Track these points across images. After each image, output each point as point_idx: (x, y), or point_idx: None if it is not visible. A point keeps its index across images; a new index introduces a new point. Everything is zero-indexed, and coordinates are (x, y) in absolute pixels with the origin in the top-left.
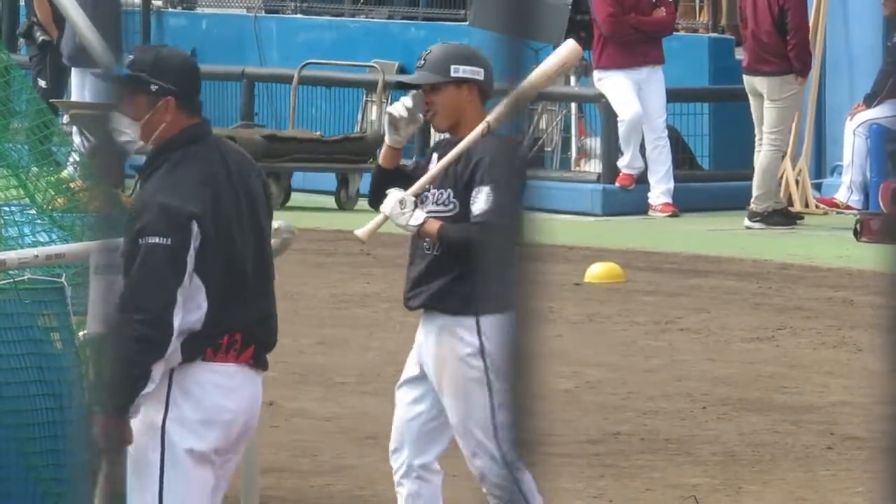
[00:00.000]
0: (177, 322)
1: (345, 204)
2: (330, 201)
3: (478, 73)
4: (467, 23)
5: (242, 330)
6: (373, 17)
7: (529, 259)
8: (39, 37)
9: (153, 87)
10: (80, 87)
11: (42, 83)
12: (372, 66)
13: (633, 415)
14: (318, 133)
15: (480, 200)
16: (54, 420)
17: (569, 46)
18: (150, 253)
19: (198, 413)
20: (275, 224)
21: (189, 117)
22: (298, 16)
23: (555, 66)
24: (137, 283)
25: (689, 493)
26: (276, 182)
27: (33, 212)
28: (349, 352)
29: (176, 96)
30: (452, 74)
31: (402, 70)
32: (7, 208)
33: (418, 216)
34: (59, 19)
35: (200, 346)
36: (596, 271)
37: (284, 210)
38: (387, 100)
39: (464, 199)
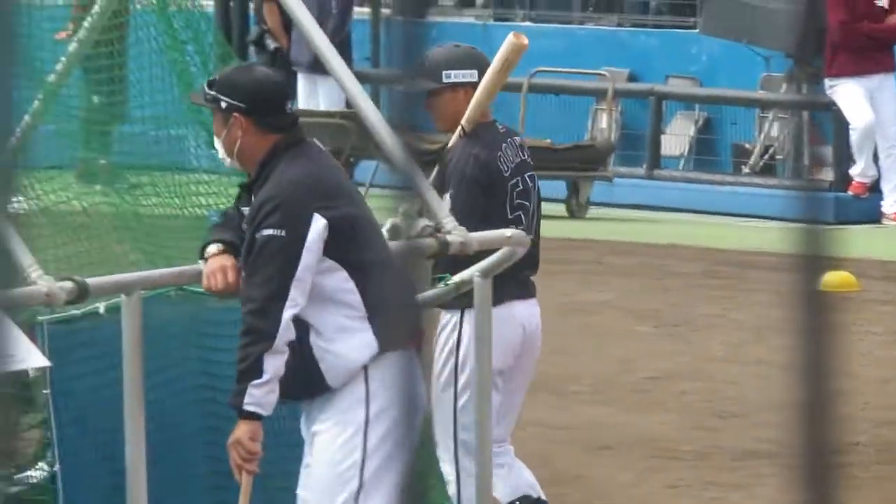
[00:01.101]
0: (319, 317)
1: (576, 212)
2: (560, 209)
3: (471, 76)
4: (697, 30)
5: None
6: (602, 25)
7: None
8: (270, 45)
9: (223, 105)
10: (307, 94)
11: None
12: (602, 74)
13: (870, 425)
14: (548, 141)
15: None
16: (274, 430)
17: (509, 42)
18: (265, 245)
19: (402, 402)
20: (507, 232)
21: (271, 133)
22: (528, 24)
23: (500, 64)
24: (249, 274)
25: None
26: None
27: None
28: (582, 361)
29: (246, 113)
30: (444, 80)
31: (632, 77)
32: None
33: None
34: (290, 27)
35: (386, 336)
36: (830, 280)
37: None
38: (616, 107)
39: None
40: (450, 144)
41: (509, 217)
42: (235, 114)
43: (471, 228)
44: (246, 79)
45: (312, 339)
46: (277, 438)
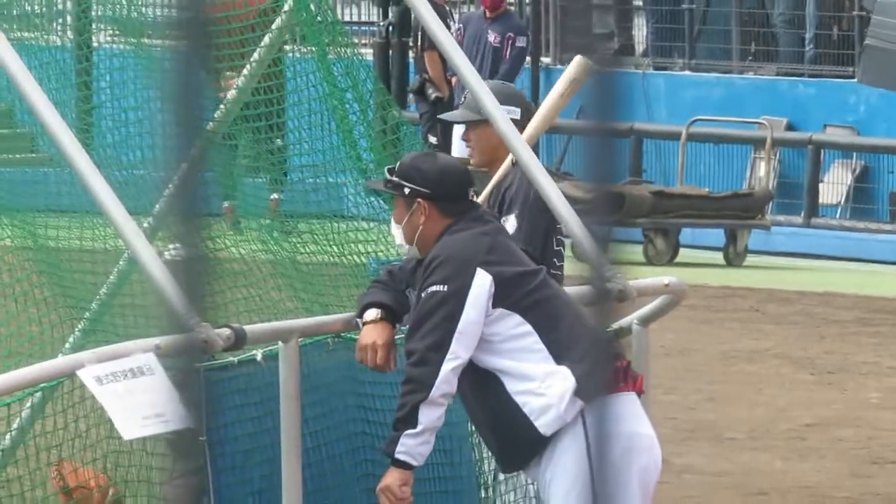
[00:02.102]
0: (504, 363)
1: (733, 260)
2: (718, 257)
3: (514, 113)
4: (856, 80)
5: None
6: (761, 74)
7: None
8: (432, 94)
9: (406, 191)
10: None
11: (433, 139)
12: (760, 123)
13: None
14: (706, 189)
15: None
16: (446, 476)
17: (575, 63)
18: (428, 299)
19: (617, 445)
20: (665, 280)
21: (450, 217)
22: (686, 73)
23: (566, 86)
24: (413, 327)
25: None
26: (664, 238)
27: None
28: (738, 408)
29: (430, 199)
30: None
31: (790, 126)
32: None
33: None
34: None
35: (589, 379)
36: None
37: (672, 266)
38: (775, 156)
39: None
40: (501, 170)
41: (554, 248)
42: (419, 199)
43: (535, 250)
44: (430, 165)
45: (506, 384)
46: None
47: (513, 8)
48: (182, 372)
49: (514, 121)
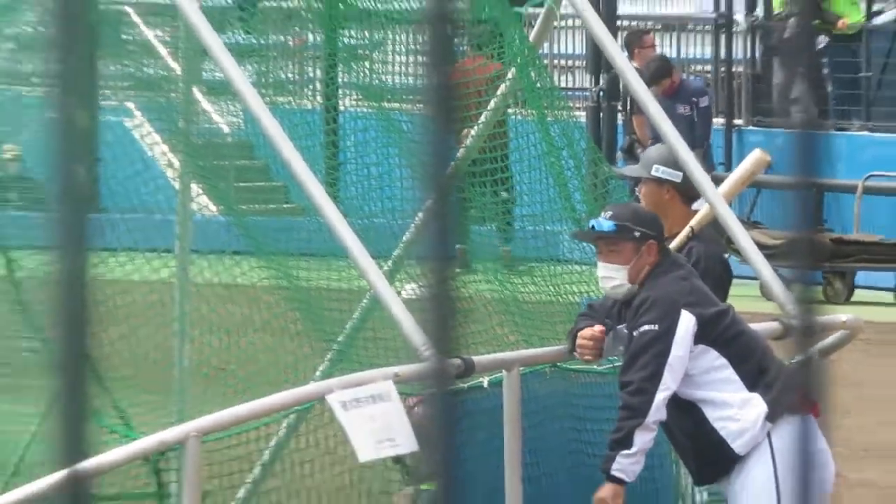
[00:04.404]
0: (704, 393)
1: None
2: (889, 297)
3: (675, 176)
4: None
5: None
6: None
7: None
8: (640, 153)
9: (637, 234)
10: None
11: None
12: None
13: None
14: (880, 236)
15: None
16: (648, 490)
17: (755, 157)
18: (640, 338)
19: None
20: (842, 317)
21: (663, 256)
22: (864, 133)
23: (744, 176)
24: (626, 361)
25: None
26: (841, 280)
27: None
28: None
29: (658, 240)
30: (652, 173)
31: None
32: None
33: None
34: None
35: (776, 403)
36: None
37: (848, 304)
38: None
39: None
40: (675, 244)
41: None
42: (651, 241)
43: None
44: (646, 212)
45: (706, 413)
46: None
47: (689, 76)
48: (435, 397)
49: (673, 184)
